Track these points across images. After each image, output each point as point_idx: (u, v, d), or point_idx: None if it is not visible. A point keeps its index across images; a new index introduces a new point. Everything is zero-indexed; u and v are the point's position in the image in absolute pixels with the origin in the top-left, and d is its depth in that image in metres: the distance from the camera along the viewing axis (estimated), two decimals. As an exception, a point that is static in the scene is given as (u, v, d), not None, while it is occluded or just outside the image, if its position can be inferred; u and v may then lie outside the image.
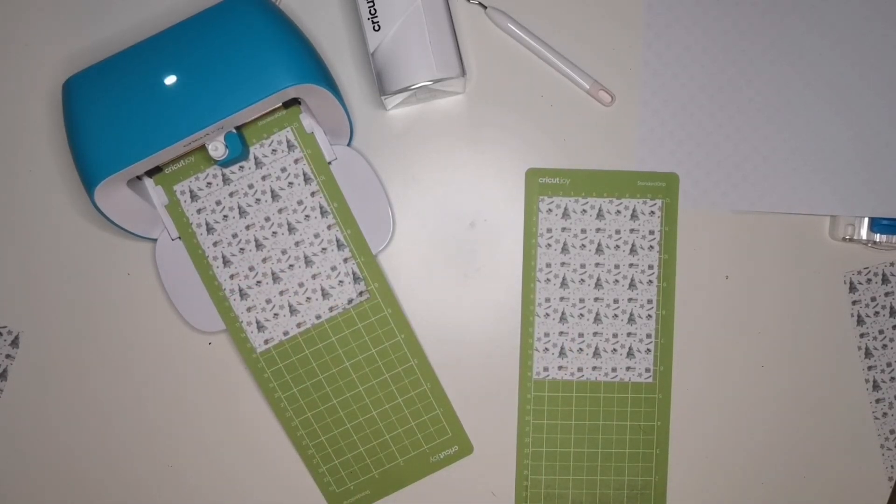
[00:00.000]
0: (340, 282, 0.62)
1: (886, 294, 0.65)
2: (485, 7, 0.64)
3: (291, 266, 0.62)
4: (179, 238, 0.63)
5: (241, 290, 0.62)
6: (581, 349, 0.64)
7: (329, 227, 0.62)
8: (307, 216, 0.62)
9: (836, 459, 0.64)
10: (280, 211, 0.62)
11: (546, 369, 0.64)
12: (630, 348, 0.64)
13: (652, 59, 0.65)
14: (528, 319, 0.64)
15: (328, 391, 0.63)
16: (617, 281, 0.64)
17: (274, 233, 0.62)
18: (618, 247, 0.64)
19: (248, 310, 0.62)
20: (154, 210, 0.63)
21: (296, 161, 0.62)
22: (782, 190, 0.64)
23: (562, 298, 0.64)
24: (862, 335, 0.64)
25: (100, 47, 0.65)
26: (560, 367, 0.64)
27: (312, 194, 0.62)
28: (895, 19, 0.64)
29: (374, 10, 0.58)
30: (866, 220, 0.64)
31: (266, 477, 0.65)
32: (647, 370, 0.64)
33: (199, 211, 0.62)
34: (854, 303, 0.65)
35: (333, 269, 0.62)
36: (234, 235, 0.62)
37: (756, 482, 0.65)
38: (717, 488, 0.65)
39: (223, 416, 0.65)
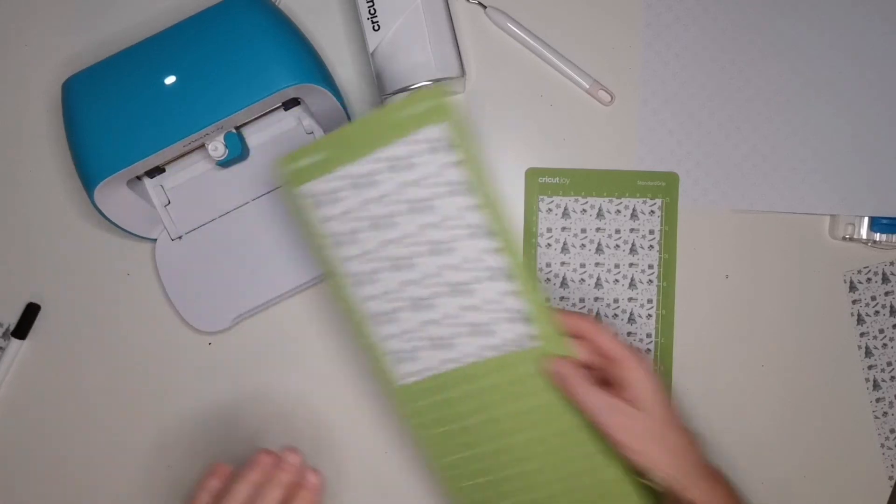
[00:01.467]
0: (501, 319, 0.50)
1: (886, 293, 0.64)
2: (484, 7, 0.64)
3: (437, 294, 0.51)
4: (179, 239, 0.63)
5: (379, 314, 0.52)
6: None
7: (489, 252, 0.49)
8: (461, 235, 0.49)
9: (836, 459, 0.64)
10: (424, 227, 0.50)
11: None
12: None
13: (652, 58, 0.65)
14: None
15: (476, 438, 0.53)
16: (617, 280, 0.64)
17: (418, 253, 0.50)
18: (618, 246, 0.64)
19: (389, 338, 0.52)
20: (154, 210, 0.63)
21: (449, 166, 0.49)
22: (782, 189, 0.64)
23: (562, 298, 0.64)
24: (862, 334, 0.64)
25: (100, 47, 0.65)
26: None
27: (469, 209, 0.49)
28: (895, 19, 0.64)
29: (374, 9, 0.58)
30: (866, 219, 0.64)
31: (266, 477, 0.65)
32: None
33: (327, 220, 0.51)
34: (854, 302, 0.65)
35: (491, 302, 0.50)
36: (368, 252, 0.51)
37: (756, 482, 0.65)
38: (718, 488, 0.64)
39: (222, 416, 0.65)
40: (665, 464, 0.48)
